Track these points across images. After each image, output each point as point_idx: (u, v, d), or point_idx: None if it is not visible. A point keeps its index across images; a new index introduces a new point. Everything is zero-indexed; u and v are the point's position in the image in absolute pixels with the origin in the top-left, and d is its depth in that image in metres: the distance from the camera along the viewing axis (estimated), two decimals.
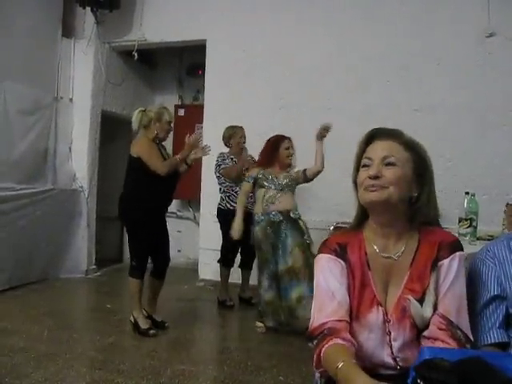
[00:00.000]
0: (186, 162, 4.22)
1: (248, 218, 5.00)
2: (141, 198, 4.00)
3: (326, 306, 1.51)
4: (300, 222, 4.33)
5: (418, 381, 1.16)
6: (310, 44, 5.89)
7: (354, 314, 1.51)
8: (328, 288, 1.53)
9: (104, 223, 6.92)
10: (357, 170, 1.58)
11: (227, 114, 5.82)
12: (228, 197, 5.06)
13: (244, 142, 5.16)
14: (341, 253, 1.57)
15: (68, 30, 6.47)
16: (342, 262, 1.56)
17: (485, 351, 1.43)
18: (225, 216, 5.05)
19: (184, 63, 7.73)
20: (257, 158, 4.96)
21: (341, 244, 1.59)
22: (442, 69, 5.37)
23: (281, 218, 4.25)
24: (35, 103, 5.90)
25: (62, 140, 6.38)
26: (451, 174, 5.11)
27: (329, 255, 1.58)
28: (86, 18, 6.51)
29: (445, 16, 5.35)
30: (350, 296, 1.52)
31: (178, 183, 4.30)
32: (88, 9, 6.28)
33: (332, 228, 4.92)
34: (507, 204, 3.30)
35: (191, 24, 6.31)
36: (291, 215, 4.29)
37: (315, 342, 1.49)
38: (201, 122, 6.53)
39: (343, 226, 4.79)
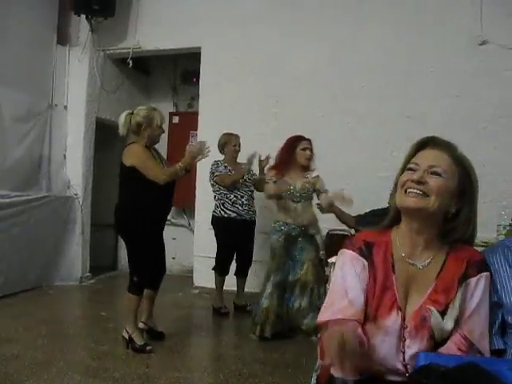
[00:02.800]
0: (185, 168, 3.97)
1: (246, 225, 5.03)
2: (138, 208, 3.77)
3: (336, 303, 1.52)
4: (316, 237, 4.34)
5: None
6: (303, 52, 5.92)
7: (372, 316, 1.50)
8: (343, 285, 1.53)
9: (98, 230, 6.90)
10: (402, 172, 1.57)
11: (221, 122, 5.84)
12: (222, 204, 5.05)
13: (238, 151, 5.16)
14: (365, 252, 1.57)
15: (63, 38, 6.47)
16: (365, 261, 1.55)
17: (480, 357, 1.43)
18: (219, 223, 5.08)
19: (178, 71, 7.74)
20: (256, 171, 5.09)
21: (367, 243, 1.58)
22: (434, 76, 5.40)
23: (298, 232, 4.25)
24: (30, 110, 5.90)
25: (57, 147, 6.37)
26: None
27: (352, 252, 1.58)
28: (81, 26, 6.53)
29: (438, 24, 5.39)
30: (368, 297, 1.52)
31: (175, 190, 4.10)
32: (83, 16, 6.30)
33: (325, 234, 4.95)
34: None
35: (186, 31, 6.33)
36: (309, 231, 4.29)
37: (319, 335, 1.49)
38: (195, 129, 6.54)
39: (338, 232, 4.82)
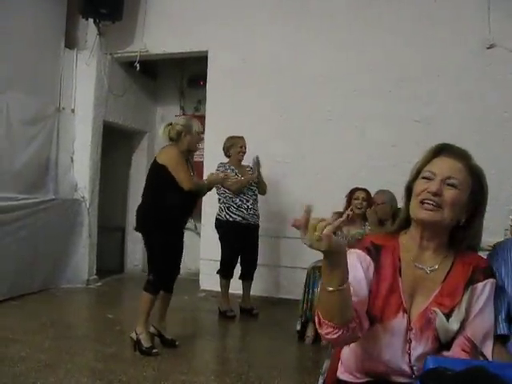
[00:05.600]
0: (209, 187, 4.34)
1: (250, 229, 5.03)
2: (160, 207, 3.84)
3: None
4: None
5: None
6: (311, 55, 5.93)
7: (378, 317, 1.51)
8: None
9: (105, 233, 6.92)
10: (414, 178, 1.57)
11: (228, 125, 5.84)
12: (227, 208, 5.04)
13: (244, 153, 5.16)
14: (374, 253, 1.57)
15: (71, 41, 6.51)
16: (372, 261, 1.56)
17: (489, 361, 1.43)
18: (224, 227, 5.08)
19: (185, 74, 7.78)
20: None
21: (376, 245, 1.59)
22: (442, 80, 5.40)
23: None
24: (38, 114, 5.92)
25: (64, 150, 6.40)
26: None
27: (359, 250, 1.58)
28: (89, 30, 6.57)
29: (445, 27, 5.39)
30: (372, 297, 1.52)
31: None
32: (91, 20, 6.33)
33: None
34: None
35: (193, 35, 6.35)
36: None
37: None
38: (202, 132, 6.54)
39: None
